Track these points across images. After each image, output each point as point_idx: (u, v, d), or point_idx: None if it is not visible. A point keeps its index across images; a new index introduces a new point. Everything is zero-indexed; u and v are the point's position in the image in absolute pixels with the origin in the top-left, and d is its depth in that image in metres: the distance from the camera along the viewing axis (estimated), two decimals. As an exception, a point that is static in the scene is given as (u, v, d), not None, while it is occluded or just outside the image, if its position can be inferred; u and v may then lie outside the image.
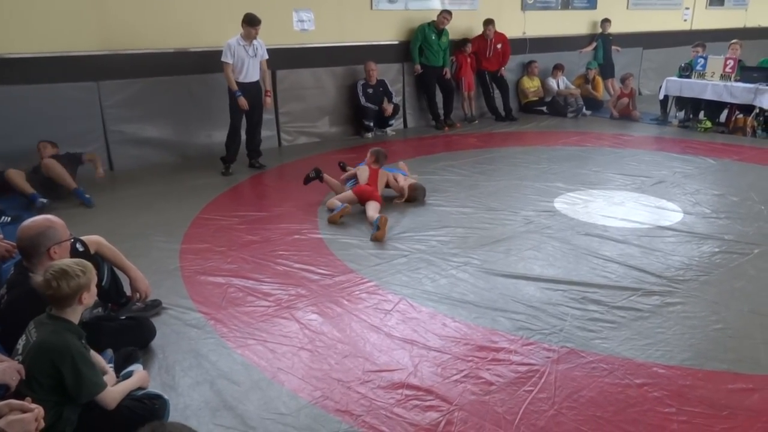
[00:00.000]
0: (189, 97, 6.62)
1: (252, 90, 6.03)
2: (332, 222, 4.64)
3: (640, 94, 10.94)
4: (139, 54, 6.30)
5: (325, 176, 5.27)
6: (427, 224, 4.63)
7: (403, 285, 3.61)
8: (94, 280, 2.34)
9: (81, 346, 2.26)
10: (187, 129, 6.67)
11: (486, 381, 2.68)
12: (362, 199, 4.94)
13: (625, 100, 9.10)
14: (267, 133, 7.17)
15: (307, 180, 5.25)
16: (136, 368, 2.65)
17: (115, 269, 3.15)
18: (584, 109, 9.43)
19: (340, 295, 3.48)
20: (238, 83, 5.91)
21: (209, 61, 6.70)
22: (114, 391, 2.33)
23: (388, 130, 8.12)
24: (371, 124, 7.91)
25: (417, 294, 3.49)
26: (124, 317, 3.06)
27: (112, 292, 3.13)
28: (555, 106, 9.46)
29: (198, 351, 2.93)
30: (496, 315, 3.24)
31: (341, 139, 7.77)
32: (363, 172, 5.14)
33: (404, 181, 5.26)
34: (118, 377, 2.57)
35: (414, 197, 5.18)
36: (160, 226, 4.58)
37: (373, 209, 4.72)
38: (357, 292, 3.51)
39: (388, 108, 7.83)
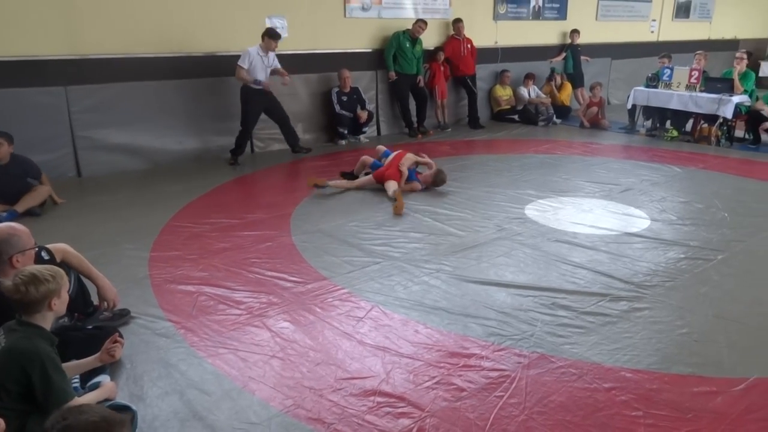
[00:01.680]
0: (160, 103, 6.55)
1: (262, 93, 6.56)
2: (319, 185, 5.51)
3: (608, 103, 11.16)
4: (109, 59, 6.22)
5: (330, 182, 5.68)
6: (400, 231, 4.65)
7: (375, 292, 3.61)
8: (66, 286, 2.30)
9: (52, 351, 2.21)
10: (158, 135, 6.58)
11: (457, 387, 2.69)
12: (380, 180, 5.65)
13: (594, 109, 9.28)
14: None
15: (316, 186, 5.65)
16: (103, 379, 2.60)
17: (82, 278, 3.09)
18: (555, 118, 9.59)
19: (312, 302, 3.47)
20: (248, 88, 6.46)
21: (181, 67, 6.66)
22: (80, 402, 2.28)
23: (362, 137, 8.14)
24: (345, 131, 7.92)
25: (389, 301, 3.49)
26: (90, 327, 2.99)
27: (78, 301, 3.06)
28: (526, 115, 9.59)
29: (167, 360, 2.89)
30: (467, 321, 3.26)
31: (315, 146, 7.76)
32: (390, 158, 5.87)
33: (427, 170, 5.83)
34: (84, 388, 2.52)
35: (439, 181, 5.69)
36: (129, 234, 4.51)
37: (390, 188, 5.42)
38: (329, 300, 3.50)
39: (363, 115, 7.85)
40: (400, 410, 2.54)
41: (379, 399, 2.61)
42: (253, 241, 4.39)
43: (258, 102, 6.60)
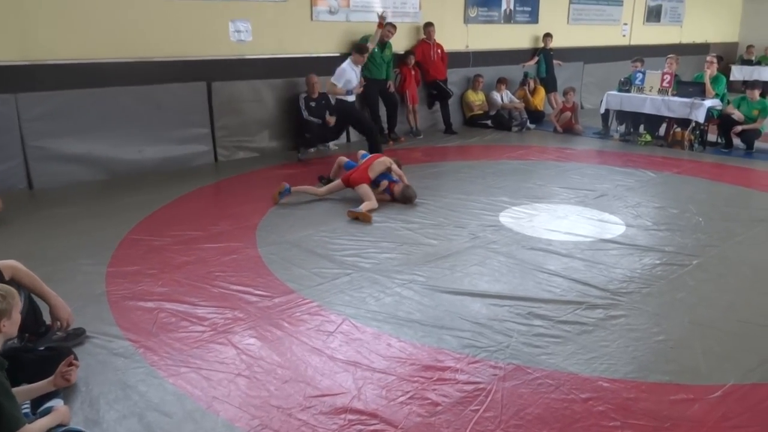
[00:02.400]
0: (118, 111, 6.44)
1: (352, 102, 7.03)
2: (280, 191, 5.54)
3: (582, 108, 11.37)
4: (63, 64, 6.09)
5: (295, 189, 5.65)
6: (371, 241, 4.64)
7: (346, 305, 3.59)
8: (17, 306, 2.24)
9: (1, 376, 2.14)
10: (115, 144, 6.46)
11: (432, 402, 2.69)
12: (348, 184, 5.61)
13: (568, 114, 9.44)
14: (202, 148, 7.10)
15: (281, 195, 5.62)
16: (56, 403, 2.53)
17: (33, 296, 3.00)
18: (528, 123, 9.72)
19: (279, 317, 3.43)
20: (344, 101, 6.91)
21: (140, 72, 6.57)
22: (31, 429, 2.21)
23: (331, 144, 8.12)
24: (313, 138, 7.89)
25: (361, 314, 3.48)
26: (43, 348, 2.91)
27: (29, 321, 2.97)
28: (499, 120, 9.71)
29: (125, 382, 2.83)
30: (441, 333, 3.27)
31: (282, 153, 7.72)
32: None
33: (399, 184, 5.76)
34: (35, 414, 2.45)
35: (406, 197, 5.63)
36: (84, 248, 4.41)
37: (364, 197, 5.42)
38: (298, 314, 3.47)
39: (331, 121, 7.82)
40: (372, 428, 2.52)
41: (350, 416, 2.59)
42: (216, 254, 4.34)
43: (353, 108, 7.08)
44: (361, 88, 7.18)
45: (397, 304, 3.61)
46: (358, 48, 7.00)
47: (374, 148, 7.00)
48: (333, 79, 6.80)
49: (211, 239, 4.65)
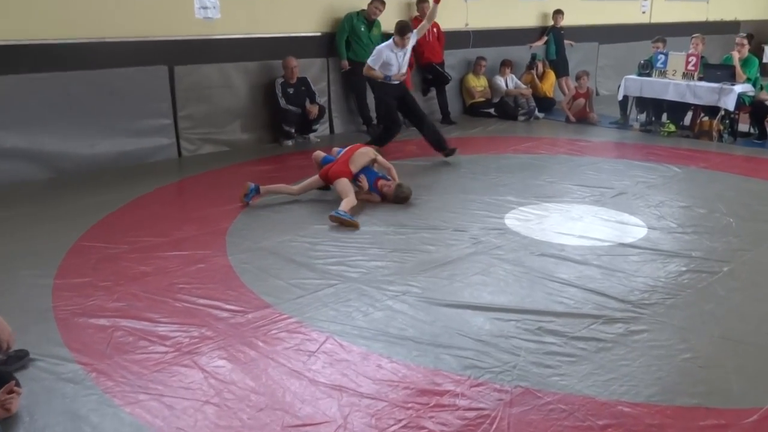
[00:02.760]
0: (67, 99, 6.39)
1: (394, 87, 7.10)
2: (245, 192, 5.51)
3: (597, 94, 11.45)
4: (1, 46, 6.05)
5: (265, 188, 5.62)
6: (359, 248, 4.64)
7: (330, 320, 3.58)
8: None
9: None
10: (64, 137, 6.42)
11: (429, 431, 2.69)
12: (327, 179, 5.62)
13: (581, 101, 9.49)
14: (163, 141, 7.08)
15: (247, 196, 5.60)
16: (-6, 437, 2.50)
17: (-33, 313, 2.96)
18: (537, 111, 9.77)
19: (253, 335, 3.42)
20: (387, 83, 7.04)
21: (93, 55, 6.53)
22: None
23: (312, 136, 8.13)
24: (292, 129, 7.89)
25: (347, 331, 3.48)
26: (-22, 373, 2.88)
27: (-37, 342, 2.94)
28: (504, 108, 9.75)
29: (75, 412, 2.80)
30: (439, 352, 3.27)
31: (256, 147, 7.70)
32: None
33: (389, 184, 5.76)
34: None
35: (400, 196, 5.63)
36: (28, 257, 4.38)
37: (341, 194, 5.38)
38: (274, 332, 3.46)
39: (313, 110, 7.84)
40: (360, 462, 2.51)
41: (335, 449, 2.58)
42: (180, 263, 4.32)
43: (391, 94, 7.13)
44: (404, 77, 7.15)
45: (388, 319, 3.61)
46: (398, 28, 6.95)
47: (434, 138, 7.14)
48: (369, 61, 7.01)
49: (174, 246, 4.63)
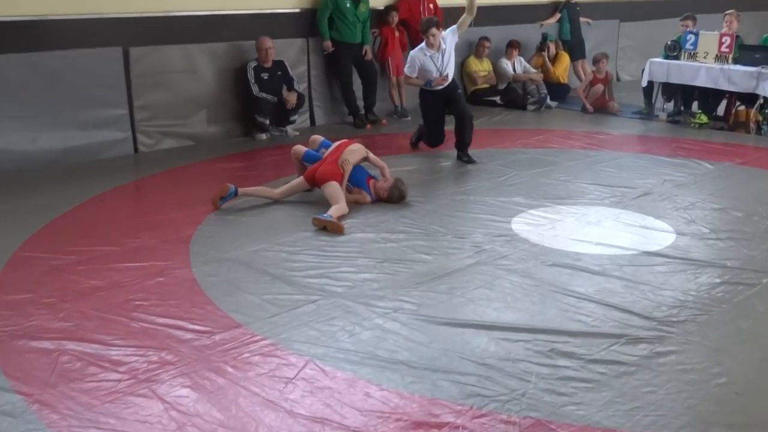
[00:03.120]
0: (1, 86, 6.35)
1: (437, 92, 7.13)
2: (223, 195, 5.50)
3: (618, 80, 11.51)
4: None
5: (243, 191, 5.61)
6: (344, 257, 4.64)
7: (311, 342, 3.57)
8: None
9: None
10: None
11: (425, 470, 2.68)
12: (313, 181, 5.64)
13: (600, 87, 9.53)
14: (117, 135, 7.06)
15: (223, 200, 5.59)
16: None
17: None
18: (548, 100, 9.81)
19: (222, 359, 3.41)
20: (428, 91, 7.12)
21: (31, 35, 6.49)
22: None
23: (290, 128, 8.12)
24: (267, 121, 7.88)
25: (330, 354, 3.47)
26: None
27: None
28: (511, 96, 9.78)
29: (14, 450, 2.78)
30: (437, 378, 3.26)
31: (225, 142, 7.68)
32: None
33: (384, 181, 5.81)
34: None
35: (398, 195, 5.68)
36: (-42, 271, 4.35)
37: (331, 200, 5.39)
38: (246, 355, 3.45)
39: (290, 98, 7.83)
40: (346, 506, 2.50)
41: (316, 492, 2.57)
42: (137, 277, 4.31)
43: (433, 105, 7.19)
44: (446, 81, 7.08)
45: (377, 340, 3.60)
46: (420, 27, 7.07)
47: (460, 141, 7.08)
48: (405, 69, 7.26)
49: (130, 257, 4.62)
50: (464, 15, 7.00)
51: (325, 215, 5.12)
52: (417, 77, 7.06)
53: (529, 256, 4.68)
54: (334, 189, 5.49)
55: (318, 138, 6.14)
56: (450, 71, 7.07)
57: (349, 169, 5.63)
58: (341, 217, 5.25)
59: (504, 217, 5.43)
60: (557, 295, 4.12)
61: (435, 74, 6.96)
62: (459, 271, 4.43)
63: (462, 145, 7.09)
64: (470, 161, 7.01)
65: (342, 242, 4.91)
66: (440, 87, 7.01)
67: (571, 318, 3.84)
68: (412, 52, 7.12)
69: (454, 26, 7.02)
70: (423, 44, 6.97)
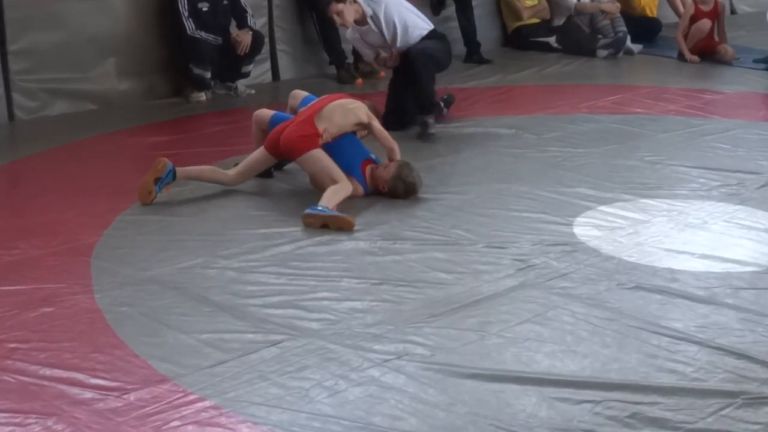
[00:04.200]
0: None
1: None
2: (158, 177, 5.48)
3: (733, 12, 11.49)
4: None
5: (182, 170, 5.70)
6: (324, 277, 4.65)
7: (271, 404, 3.56)
8: None
9: None
10: None
11: None
12: (276, 150, 5.61)
13: (706, 24, 9.53)
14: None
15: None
16: None
17: None
18: (629, 41, 9.80)
19: (138, 430, 3.40)
20: None
21: None
22: None
23: (241, 84, 8.12)
24: (207, 73, 7.88)
25: (300, 422, 3.45)
26: None
27: None
28: (573, 36, 9.80)
29: None
30: (462, 458, 3.27)
31: (144, 104, 7.69)
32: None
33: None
34: None
35: (405, 185, 5.66)
36: None
37: (319, 176, 5.48)
38: (175, 424, 3.44)
39: (242, 39, 7.82)
40: None
41: None
42: (12, 307, 4.32)
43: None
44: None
45: (372, 401, 3.59)
46: None
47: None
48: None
49: (2, 276, 4.64)
50: None
51: (319, 208, 5.14)
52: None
53: (601, 276, 4.68)
54: (317, 160, 5.49)
55: (301, 94, 6.15)
56: (406, 36, 7.17)
57: (331, 133, 5.61)
58: (343, 203, 5.27)
59: (562, 216, 5.43)
60: (642, 333, 4.10)
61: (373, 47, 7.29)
62: (494, 298, 4.43)
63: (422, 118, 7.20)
64: (427, 130, 7.06)
65: (320, 255, 4.90)
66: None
67: (663, 368, 3.83)
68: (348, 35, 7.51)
69: None
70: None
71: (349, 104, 5.80)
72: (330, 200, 5.19)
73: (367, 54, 7.41)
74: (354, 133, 5.83)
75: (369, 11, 6.96)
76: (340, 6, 6.80)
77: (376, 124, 5.82)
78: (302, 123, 5.60)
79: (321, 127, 5.58)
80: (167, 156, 6.03)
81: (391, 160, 5.78)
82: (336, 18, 6.88)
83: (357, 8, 6.89)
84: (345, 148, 5.69)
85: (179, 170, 5.60)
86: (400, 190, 5.64)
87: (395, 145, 5.82)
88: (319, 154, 5.46)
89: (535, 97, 8.02)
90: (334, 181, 5.36)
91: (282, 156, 5.62)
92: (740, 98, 8.22)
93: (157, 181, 5.48)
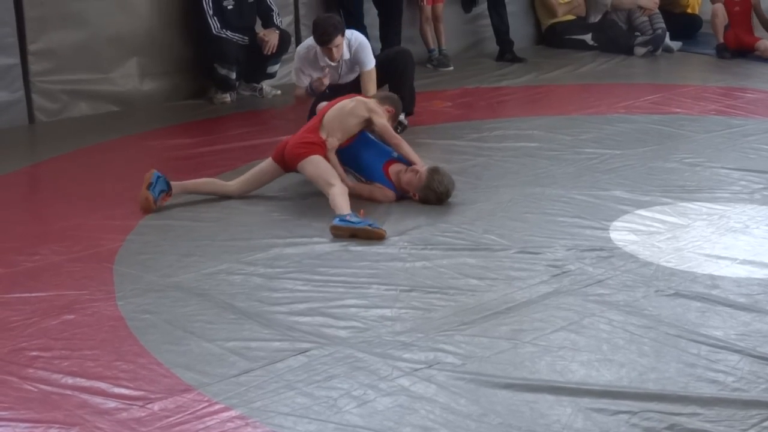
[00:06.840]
0: None
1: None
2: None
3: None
4: None
5: (178, 185, 5.61)
6: (351, 284, 4.66)
7: (299, 414, 3.57)
8: None
9: None
10: None
11: None
12: (282, 162, 5.62)
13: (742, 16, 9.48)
14: (3, 96, 7.06)
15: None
16: None
17: None
18: (668, 39, 9.76)
19: (163, 441, 3.43)
20: None
21: None
22: None
23: (267, 85, 8.13)
24: (233, 74, 7.89)
25: (328, 432, 3.47)
26: None
27: None
28: (609, 33, 9.77)
29: None
30: (494, 471, 3.27)
31: (168, 106, 7.71)
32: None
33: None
34: None
35: (435, 194, 5.63)
36: None
37: (316, 182, 5.46)
38: (200, 435, 3.47)
39: (269, 39, 7.83)
40: None
41: None
42: (33, 314, 4.34)
43: None
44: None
45: (402, 411, 3.59)
46: (319, 35, 6.95)
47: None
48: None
49: (22, 283, 4.66)
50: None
51: (346, 219, 5.12)
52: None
53: (638, 282, 4.66)
54: (314, 165, 5.49)
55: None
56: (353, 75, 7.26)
57: (334, 142, 5.62)
58: (372, 208, 5.32)
59: (598, 220, 5.43)
60: (681, 341, 4.09)
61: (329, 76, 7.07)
62: (528, 305, 4.43)
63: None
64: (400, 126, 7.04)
65: (347, 261, 4.92)
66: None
67: (702, 377, 3.81)
68: (299, 52, 7.23)
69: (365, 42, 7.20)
70: (317, 49, 6.98)
71: (347, 105, 5.79)
72: (343, 207, 5.19)
73: (305, 80, 7.11)
74: (366, 130, 5.84)
75: (347, 55, 6.98)
76: (341, 39, 6.85)
77: (378, 119, 5.77)
78: (306, 132, 5.67)
79: (324, 135, 5.62)
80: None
81: (409, 159, 5.78)
82: (334, 51, 6.81)
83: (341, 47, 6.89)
84: (361, 156, 5.75)
85: (176, 185, 5.61)
86: (432, 199, 5.63)
87: (401, 140, 5.87)
88: (316, 159, 5.49)
89: (570, 97, 8.00)
90: (330, 184, 5.36)
91: (287, 166, 5.63)
92: (784, 97, 8.19)
93: (149, 187, 5.48)
